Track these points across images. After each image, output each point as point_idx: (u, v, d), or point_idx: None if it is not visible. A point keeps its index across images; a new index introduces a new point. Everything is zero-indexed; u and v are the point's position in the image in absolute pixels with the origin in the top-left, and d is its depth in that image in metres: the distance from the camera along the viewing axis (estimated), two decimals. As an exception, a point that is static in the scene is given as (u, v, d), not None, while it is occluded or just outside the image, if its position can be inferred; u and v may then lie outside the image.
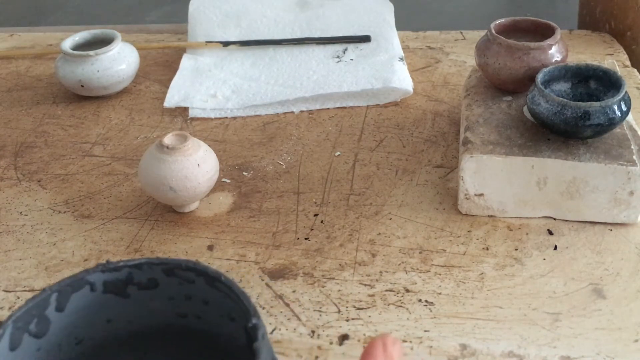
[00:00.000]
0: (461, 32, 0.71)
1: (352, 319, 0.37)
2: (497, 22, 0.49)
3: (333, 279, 0.40)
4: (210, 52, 0.66)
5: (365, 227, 0.44)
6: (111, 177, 0.50)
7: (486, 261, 0.41)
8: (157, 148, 0.43)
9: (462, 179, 0.43)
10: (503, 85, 0.48)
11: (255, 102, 0.58)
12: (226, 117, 0.57)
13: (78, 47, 0.61)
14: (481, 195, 0.44)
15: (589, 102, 0.40)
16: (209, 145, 0.45)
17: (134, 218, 0.46)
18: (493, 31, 0.48)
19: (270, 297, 0.39)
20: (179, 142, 0.43)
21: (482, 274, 0.40)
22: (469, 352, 0.35)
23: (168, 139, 0.43)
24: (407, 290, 0.39)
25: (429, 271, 0.40)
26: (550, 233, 0.43)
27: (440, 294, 0.39)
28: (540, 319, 0.37)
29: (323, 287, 0.39)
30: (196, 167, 0.42)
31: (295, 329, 0.37)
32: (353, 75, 0.60)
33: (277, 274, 0.40)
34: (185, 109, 0.59)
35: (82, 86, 0.59)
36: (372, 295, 0.39)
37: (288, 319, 0.38)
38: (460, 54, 0.66)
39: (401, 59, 0.62)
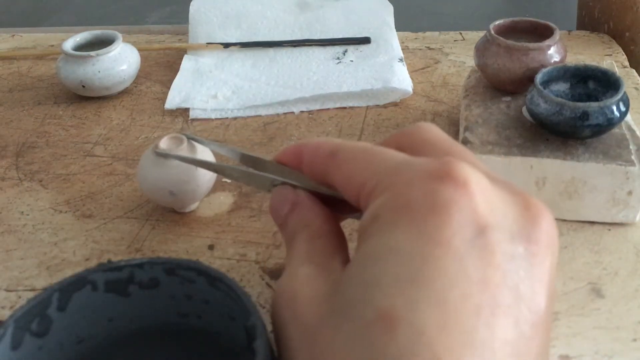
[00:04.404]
0: (460, 33, 0.71)
1: (352, 318, 0.38)
2: (496, 22, 0.49)
3: (333, 278, 0.40)
4: (211, 53, 0.66)
5: (365, 226, 0.44)
6: (112, 177, 0.50)
7: (485, 261, 0.41)
8: (153, 152, 0.42)
9: (462, 179, 0.43)
10: (502, 85, 0.48)
11: (255, 102, 0.59)
12: (227, 118, 0.58)
13: (79, 47, 0.61)
14: (480, 195, 0.44)
15: (588, 103, 0.41)
16: (210, 146, 0.45)
17: (135, 218, 0.46)
18: (492, 32, 0.48)
19: (271, 296, 0.39)
20: (175, 145, 0.42)
21: (481, 273, 0.40)
22: (468, 351, 0.35)
23: (164, 143, 0.42)
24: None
25: (429, 270, 0.40)
26: (549, 233, 0.43)
27: (439, 293, 0.39)
28: (538, 318, 0.37)
29: (323, 286, 0.40)
30: (194, 169, 0.42)
31: (295, 328, 0.37)
32: (353, 76, 0.60)
33: (278, 273, 0.41)
34: (186, 109, 0.59)
35: (83, 86, 0.59)
36: (372, 295, 0.39)
37: (288, 318, 0.38)
38: (459, 55, 0.66)
39: (401, 59, 0.62)
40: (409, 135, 0.31)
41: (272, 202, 0.34)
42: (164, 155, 0.41)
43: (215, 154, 0.44)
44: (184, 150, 0.41)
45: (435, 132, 0.31)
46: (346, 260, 0.30)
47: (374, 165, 0.28)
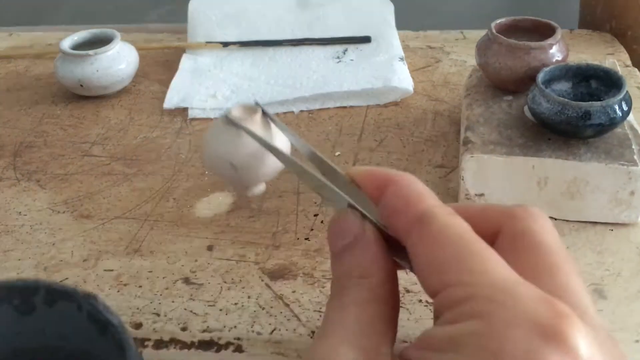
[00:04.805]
0: (462, 32, 0.70)
1: (352, 319, 0.37)
2: (498, 21, 0.49)
3: (333, 279, 0.40)
4: (210, 52, 0.66)
5: (365, 227, 0.44)
6: (110, 177, 0.50)
7: (487, 261, 0.41)
8: (222, 120, 0.36)
9: (463, 179, 0.43)
10: (503, 84, 0.48)
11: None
12: (226, 117, 0.57)
13: (77, 46, 0.61)
14: (482, 195, 0.43)
15: (590, 102, 0.40)
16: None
17: (133, 218, 0.45)
18: (493, 30, 0.48)
19: (270, 297, 0.39)
20: (247, 115, 0.36)
21: (482, 274, 0.40)
22: (469, 353, 0.35)
23: (236, 111, 0.36)
24: (408, 291, 0.39)
25: (429, 271, 0.40)
26: (551, 233, 0.43)
27: (440, 294, 0.39)
28: (541, 320, 0.37)
29: (323, 287, 0.39)
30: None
31: (295, 330, 0.37)
32: (353, 75, 0.60)
33: (277, 274, 0.40)
34: (185, 109, 0.58)
35: (82, 86, 0.59)
36: (372, 296, 0.39)
37: (288, 320, 0.37)
38: (460, 54, 0.66)
39: (401, 58, 0.62)
40: (515, 221, 0.26)
41: (333, 224, 0.29)
42: (235, 125, 0.36)
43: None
44: (257, 124, 0.36)
45: (546, 232, 0.26)
46: (394, 339, 0.26)
47: (471, 273, 0.23)
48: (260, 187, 0.40)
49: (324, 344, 0.24)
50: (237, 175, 0.37)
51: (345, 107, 0.58)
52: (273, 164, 0.38)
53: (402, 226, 0.26)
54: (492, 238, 0.26)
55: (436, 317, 0.23)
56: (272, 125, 0.37)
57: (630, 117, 0.45)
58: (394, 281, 0.27)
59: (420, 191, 0.26)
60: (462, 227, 0.25)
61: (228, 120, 0.36)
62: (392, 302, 0.27)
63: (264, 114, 0.36)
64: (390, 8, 0.70)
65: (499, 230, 0.26)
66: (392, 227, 0.27)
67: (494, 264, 0.23)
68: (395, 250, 0.28)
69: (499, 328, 0.21)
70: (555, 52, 0.46)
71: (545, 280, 0.24)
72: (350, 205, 0.29)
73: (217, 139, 0.37)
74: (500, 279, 0.23)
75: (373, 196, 0.29)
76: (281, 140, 0.37)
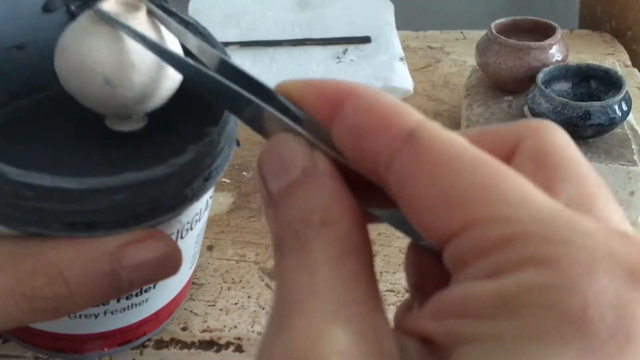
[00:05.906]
0: (461, 32, 0.70)
1: (352, 319, 0.37)
2: (498, 21, 0.49)
3: (333, 279, 0.40)
4: (210, 52, 0.66)
5: (365, 227, 0.44)
6: (111, 177, 0.50)
7: (486, 261, 0.41)
8: (90, 18, 0.25)
9: (463, 179, 0.43)
10: (503, 85, 0.48)
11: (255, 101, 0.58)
12: (226, 117, 0.57)
13: (78, 47, 0.61)
14: (481, 195, 0.43)
15: (590, 102, 0.40)
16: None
17: (133, 218, 0.46)
18: (493, 31, 0.48)
19: (270, 297, 0.39)
20: (127, 13, 0.25)
21: (482, 274, 0.40)
22: (469, 353, 0.35)
23: (110, 6, 0.25)
24: (408, 291, 0.39)
25: (429, 271, 0.40)
26: (551, 233, 0.43)
27: (440, 294, 0.39)
28: (540, 320, 0.37)
29: (323, 287, 0.39)
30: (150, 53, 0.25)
31: (295, 330, 0.37)
32: (353, 75, 0.60)
33: (277, 275, 0.40)
34: (185, 109, 0.58)
35: (82, 86, 0.59)
36: (372, 296, 0.39)
37: (288, 320, 0.37)
38: (460, 54, 0.66)
39: (401, 59, 0.62)
40: (538, 138, 0.18)
41: (267, 156, 0.20)
42: (109, 21, 0.25)
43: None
44: (142, 24, 0.25)
45: (569, 148, 0.19)
46: (382, 307, 0.18)
47: (509, 203, 0.16)
48: (140, 120, 0.28)
49: (297, 324, 0.16)
50: (113, 94, 0.26)
51: (345, 107, 0.58)
52: (163, 80, 0.26)
53: (379, 150, 0.18)
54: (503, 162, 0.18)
55: (453, 272, 0.17)
56: (162, 28, 0.26)
57: (630, 118, 0.45)
58: (364, 227, 0.19)
59: (396, 103, 0.18)
60: (470, 145, 0.17)
61: (99, 16, 0.25)
62: (368, 256, 0.18)
63: (150, 13, 0.26)
64: (390, 8, 0.70)
65: (513, 151, 0.18)
66: (361, 154, 0.18)
67: (531, 190, 0.16)
68: (360, 192, 0.19)
69: (576, 276, 0.15)
70: (555, 52, 0.46)
71: (589, 208, 0.18)
72: (289, 129, 0.21)
73: (83, 43, 0.25)
74: (550, 210, 0.16)
75: (320, 116, 0.20)
76: (175, 44, 0.27)
